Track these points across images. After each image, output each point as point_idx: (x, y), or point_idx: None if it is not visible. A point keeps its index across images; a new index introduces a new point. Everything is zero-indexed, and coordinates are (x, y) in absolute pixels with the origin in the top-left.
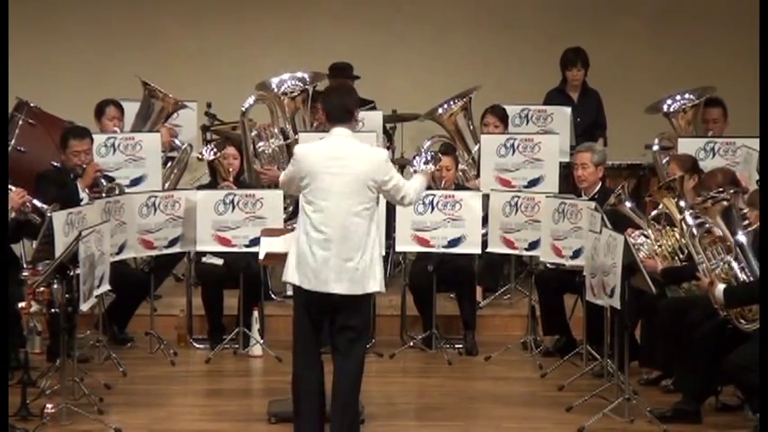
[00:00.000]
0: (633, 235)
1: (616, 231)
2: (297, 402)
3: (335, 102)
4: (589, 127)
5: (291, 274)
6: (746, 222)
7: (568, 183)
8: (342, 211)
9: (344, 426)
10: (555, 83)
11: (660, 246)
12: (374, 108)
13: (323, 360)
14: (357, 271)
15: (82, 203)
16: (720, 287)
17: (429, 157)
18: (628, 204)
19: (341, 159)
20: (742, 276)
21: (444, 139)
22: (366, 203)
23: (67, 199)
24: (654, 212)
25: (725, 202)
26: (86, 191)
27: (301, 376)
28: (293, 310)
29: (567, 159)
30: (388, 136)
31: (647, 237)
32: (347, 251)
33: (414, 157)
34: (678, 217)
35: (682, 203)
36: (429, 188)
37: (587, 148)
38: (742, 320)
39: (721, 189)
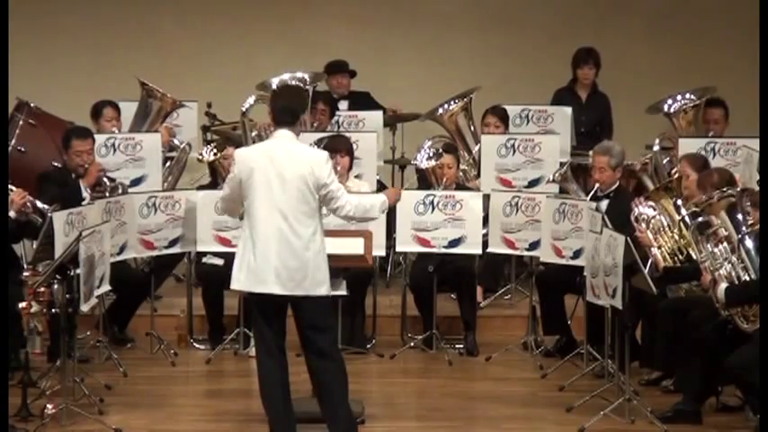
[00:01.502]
0: (642, 204)
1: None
2: (263, 395)
3: (282, 103)
4: (594, 127)
5: (236, 281)
6: (750, 222)
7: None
8: (282, 212)
9: (341, 429)
10: (556, 83)
11: (660, 247)
12: (370, 98)
13: (286, 359)
14: (299, 272)
15: (84, 203)
16: (723, 286)
17: (431, 153)
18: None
19: (280, 159)
20: (744, 276)
21: (445, 138)
22: (307, 203)
23: (70, 198)
24: (653, 214)
25: (732, 199)
26: (89, 190)
27: (264, 374)
28: (252, 310)
29: (567, 159)
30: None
31: (654, 209)
32: (287, 252)
33: (415, 154)
34: (677, 217)
35: (680, 203)
36: (429, 188)
37: (605, 150)
38: (743, 320)
39: (724, 189)
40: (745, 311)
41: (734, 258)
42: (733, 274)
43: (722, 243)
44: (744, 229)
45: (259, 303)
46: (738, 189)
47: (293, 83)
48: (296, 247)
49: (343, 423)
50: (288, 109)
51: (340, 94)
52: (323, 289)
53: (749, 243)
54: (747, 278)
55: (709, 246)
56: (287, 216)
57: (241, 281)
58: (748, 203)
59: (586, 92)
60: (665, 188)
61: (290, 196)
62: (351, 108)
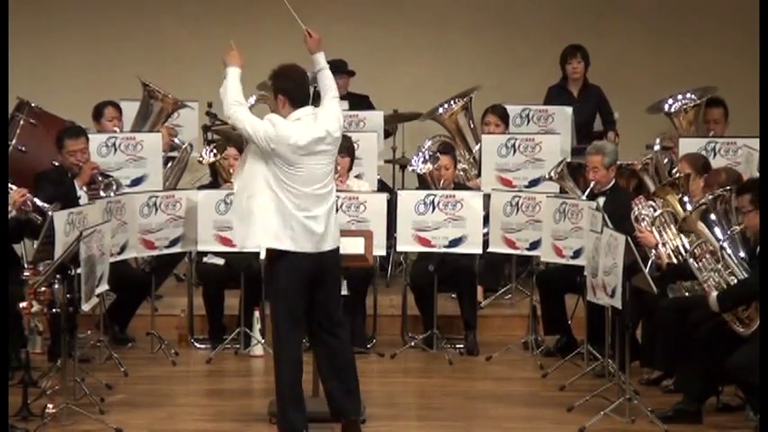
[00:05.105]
0: (642, 203)
1: (630, 199)
2: (287, 387)
3: (300, 82)
4: (586, 122)
5: (281, 241)
6: (737, 227)
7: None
8: (323, 169)
9: (348, 391)
10: (556, 83)
11: (664, 244)
12: (369, 102)
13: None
14: (337, 228)
15: (80, 201)
16: (713, 295)
17: (427, 156)
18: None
19: (321, 141)
20: (732, 280)
21: (445, 138)
22: (333, 160)
23: (65, 197)
24: (656, 213)
25: (703, 207)
26: (84, 189)
27: (291, 351)
28: (276, 283)
29: (567, 159)
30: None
31: (654, 209)
32: (327, 209)
33: (412, 157)
34: (682, 214)
35: (686, 201)
36: (428, 188)
37: (597, 150)
38: (738, 324)
39: (728, 188)
40: (738, 314)
41: (719, 266)
42: (722, 282)
43: (705, 255)
44: (721, 236)
45: (303, 269)
46: (710, 197)
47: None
48: (330, 202)
49: (351, 387)
50: (304, 90)
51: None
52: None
53: (731, 247)
54: (733, 280)
55: (691, 260)
56: (328, 172)
57: (299, 244)
58: (723, 209)
59: (577, 88)
60: (671, 184)
61: (328, 169)
62: (350, 109)
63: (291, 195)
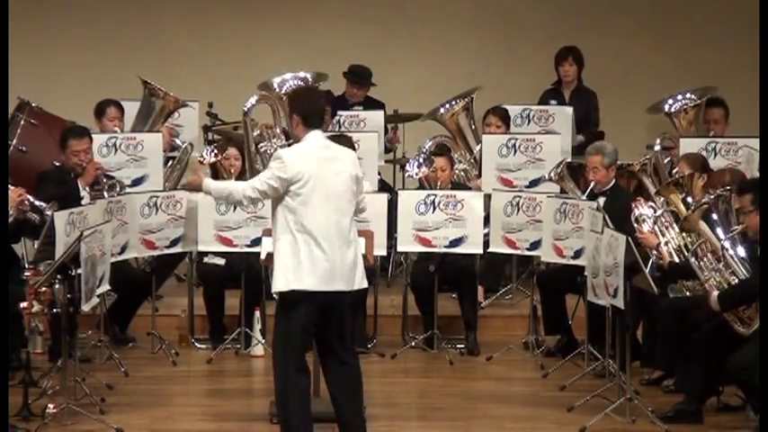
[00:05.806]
0: (642, 205)
1: (630, 199)
2: (290, 410)
3: (314, 104)
4: (581, 124)
5: (297, 281)
6: (736, 227)
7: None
8: (339, 209)
9: (358, 413)
10: (549, 86)
11: (666, 243)
12: (384, 109)
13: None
14: (354, 267)
15: (83, 202)
16: (714, 294)
17: (422, 160)
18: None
19: (334, 160)
20: (733, 280)
21: (446, 138)
22: (353, 200)
23: (68, 197)
24: (659, 212)
25: (705, 206)
26: (87, 189)
27: (295, 393)
28: (284, 315)
29: (568, 159)
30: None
31: (654, 210)
32: (346, 248)
33: (407, 163)
34: (685, 213)
35: (689, 200)
36: (424, 188)
37: (597, 150)
38: (739, 324)
39: (729, 187)
40: (739, 314)
41: (720, 266)
42: (723, 282)
43: (706, 255)
44: (723, 235)
45: (315, 305)
46: (712, 196)
47: (295, 82)
48: (351, 243)
49: (364, 425)
50: (320, 111)
51: (354, 102)
52: (365, 281)
53: (732, 247)
54: (735, 280)
55: (693, 259)
56: (344, 213)
57: (314, 282)
58: (724, 209)
59: (570, 90)
60: (675, 183)
61: (345, 194)
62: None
63: (309, 226)
